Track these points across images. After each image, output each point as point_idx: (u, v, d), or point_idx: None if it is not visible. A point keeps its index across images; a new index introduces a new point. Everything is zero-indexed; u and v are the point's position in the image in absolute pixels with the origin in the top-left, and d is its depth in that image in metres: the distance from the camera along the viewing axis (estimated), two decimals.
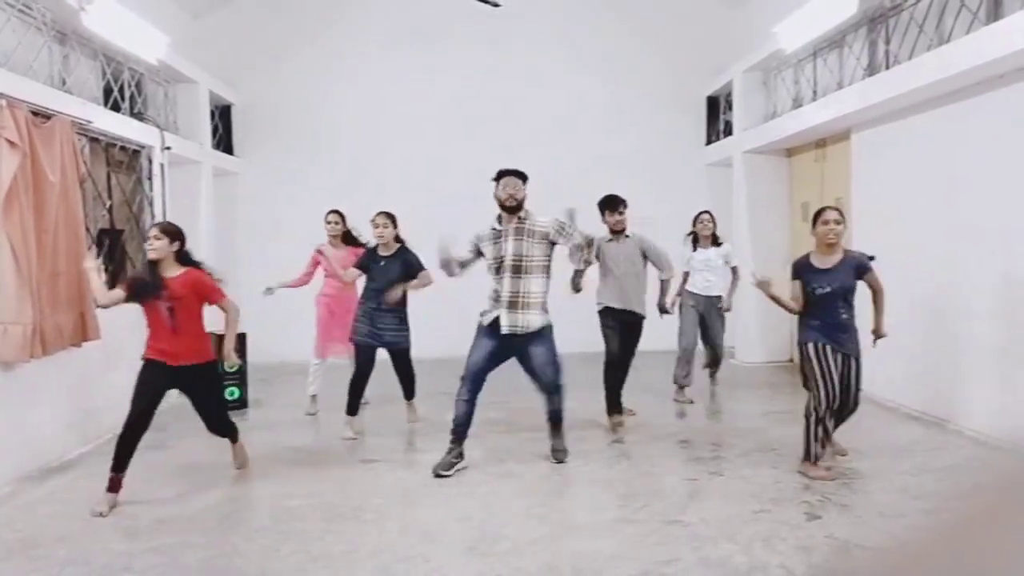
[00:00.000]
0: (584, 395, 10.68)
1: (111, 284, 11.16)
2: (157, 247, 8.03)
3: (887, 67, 11.02)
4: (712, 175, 17.21)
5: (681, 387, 12.16)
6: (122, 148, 11.79)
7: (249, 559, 6.46)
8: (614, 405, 10.74)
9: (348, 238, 11.60)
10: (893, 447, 8.94)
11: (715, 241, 11.95)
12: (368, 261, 10.56)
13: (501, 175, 8.90)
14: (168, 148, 12.73)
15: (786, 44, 12.94)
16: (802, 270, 8.41)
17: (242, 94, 17.01)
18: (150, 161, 12.41)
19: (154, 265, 8.09)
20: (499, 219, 8.90)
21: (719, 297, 12.04)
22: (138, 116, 12.44)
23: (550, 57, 17.30)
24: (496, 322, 8.73)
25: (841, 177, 12.86)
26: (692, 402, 11.91)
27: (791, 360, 15.40)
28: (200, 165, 14.61)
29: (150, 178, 12.43)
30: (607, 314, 10.67)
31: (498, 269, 8.78)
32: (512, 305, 8.69)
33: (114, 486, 7.89)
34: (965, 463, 8.60)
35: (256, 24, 16.72)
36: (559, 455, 9.14)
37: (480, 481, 8.43)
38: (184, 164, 13.92)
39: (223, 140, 16.73)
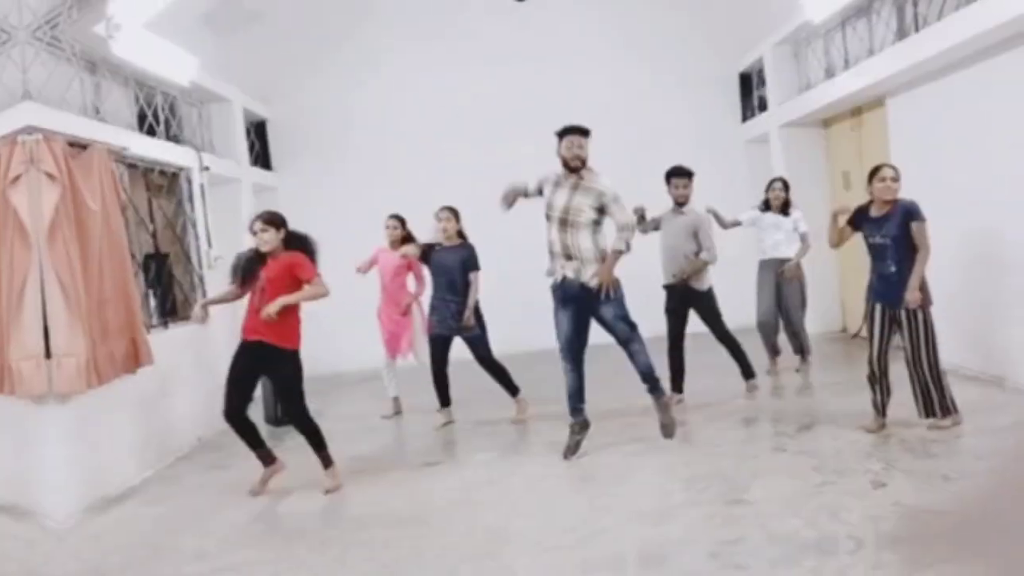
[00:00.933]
0: (634, 381, 10.66)
1: (160, 309, 11.26)
2: (266, 239, 8.39)
3: (916, 30, 10.92)
4: (751, 152, 17.09)
5: (773, 356, 12.12)
6: (160, 172, 11.86)
7: (318, 571, 6.49)
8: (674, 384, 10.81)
9: (407, 243, 11.56)
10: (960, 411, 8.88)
11: (785, 210, 11.83)
12: (430, 252, 10.87)
13: (564, 133, 8.96)
14: (206, 168, 12.79)
15: (813, 15, 12.84)
16: (860, 217, 8.62)
17: (276, 109, 17.06)
18: (189, 182, 12.47)
19: (262, 255, 8.45)
20: (563, 173, 8.92)
21: (789, 259, 11.87)
22: (174, 139, 12.50)
23: (581, 47, 17.22)
24: (563, 279, 8.74)
25: (879, 144, 12.74)
26: (777, 374, 11.88)
27: (844, 330, 15.32)
28: (239, 182, 14.67)
29: (191, 199, 12.49)
30: (665, 291, 10.81)
31: (548, 217, 8.83)
32: (568, 257, 8.71)
33: (264, 461, 8.74)
34: None
35: (285, 37, 16.73)
36: (666, 430, 9.02)
37: (541, 476, 8.43)
38: (223, 183, 13.97)
39: (260, 156, 16.76)
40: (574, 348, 8.89)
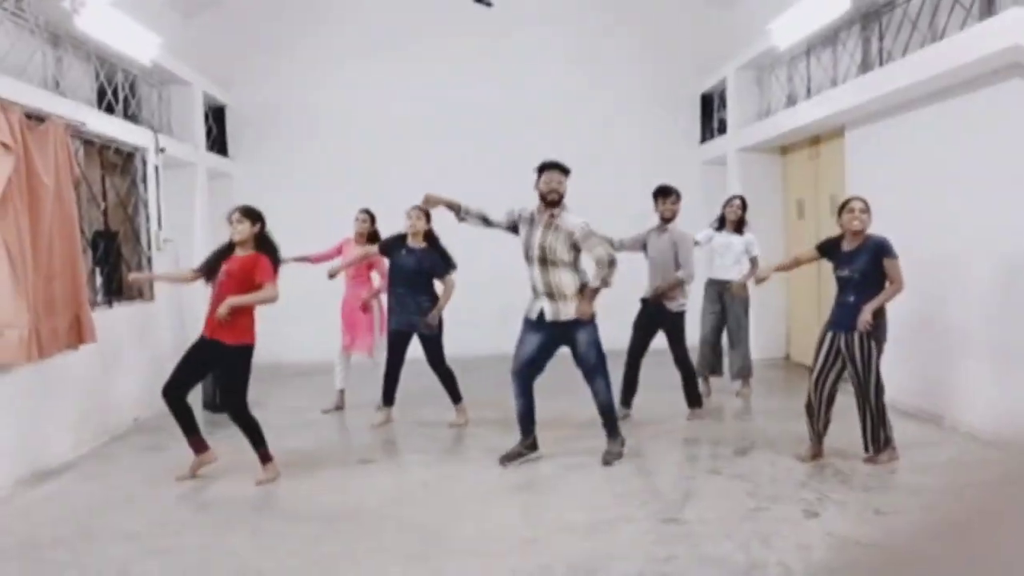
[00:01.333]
0: (580, 394, 10.66)
1: (106, 287, 11.19)
2: (240, 230, 8.62)
3: (881, 64, 11.04)
4: (707, 173, 17.19)
5: (705, 378, 12.03)
6: (116, 150, 11.78)
7: (247, 561, 6.46)
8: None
9: (373, 238, 11.68)
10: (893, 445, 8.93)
11: (739, 228, 11.88)
12: (393, 247, 10.86)
13: (544, 168, 8.90)
14: (162, 150, 12.72)
15: (779, 41, 12.94)
16: (830, 248, 8.71)
17: (236, 95, 16.99)
18: (144, 163, 12.39)
19: (232, 246, 8.67)
20: (538, 207, 8.91)
21: (720, 281, 11.93)
22: (132, 118, 12.44)
23: (544, 56, 17.31)
24: (541, 314, 8.80)
25: (835, 174, 12.87)
26: (708, 395, 11.82)
27: (787, 357, 15.42)
28: (194, 167, 14.59)
29: (144, 180, 12.41)
30: (640, 305, 10.92)
31: (527, 257, 8.85)
32: (550, 296, 8.75)
33: (196, 448, 8.81)
34: (961, 459, 8.61)
35: (249, 24, 16.70)
36: (608, 457, 9.00)
37: (477, 481, 8.44)
38: (179, 166, 13.91)
39: (217, 141, 16.68)
40: (525, 374, 9.00)
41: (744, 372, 12.08)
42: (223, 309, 8.19)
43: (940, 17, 9.98)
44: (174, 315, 13.24)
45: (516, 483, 8.32)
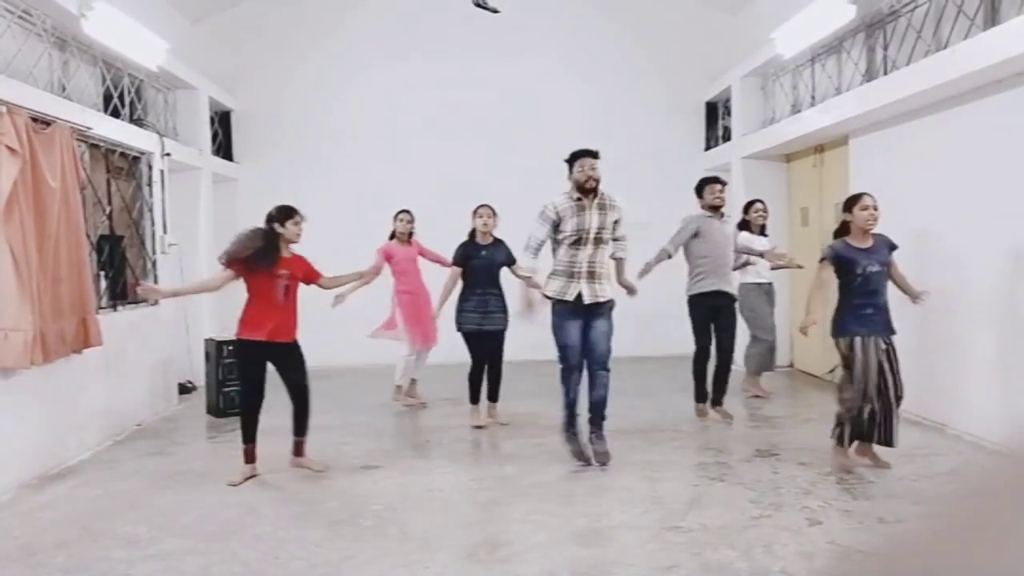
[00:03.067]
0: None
1: (111, 291, 11.18)
2: (300, 232, 8.96)
3: (885, 73, 11.04)
4: None
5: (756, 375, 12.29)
6: (122, 154, 11.81)
7: (249, 566, 6.46)
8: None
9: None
10: (893, 452, 8.92)
11: (763, 231, 11.97)
12: (468, 252, 10.91)
13: (576, 156, 9.09)
14: (168, 154, 12.75)
15: (784, 50, 12.97)
16: (845, 252, 8.48)
17: (241, 100, 17.01)
18: (150, 167, 12.42)
19: (278, 246, 8.80)
20: (576, 195, 8.98)
21: (771, 283, 12.24)
22: (138, 122, 12.46)
23: (550, 63, 17.34)
24: (578, 297, 8.79)
25: (839, 182, 12.85)
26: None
27: (791, 365, 15.39)
28: (200, 171, 14.63)
29: (150, 184, 12.43)
30: (704, 299, 10.82)
31: (577, 241, 8.84)
32: (591, 276, 8.81)
33: (248, 457, 8.91)
34: (965, 468, 8.60)
35: (255, 30, 16.73)
36: (603, 457, 9.03)
37: (479, 487, 8.43)
38: (184, 170, 13.93)
39: (223, 146, 16.73)
40: (580, 358, 9.00)
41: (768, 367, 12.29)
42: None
43: (944, 27, 9.98)
44: (178, 319, 13.25)
45: (518, 489, 8.30)
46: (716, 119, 17.68)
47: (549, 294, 8.96)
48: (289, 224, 8.78)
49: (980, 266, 9.44)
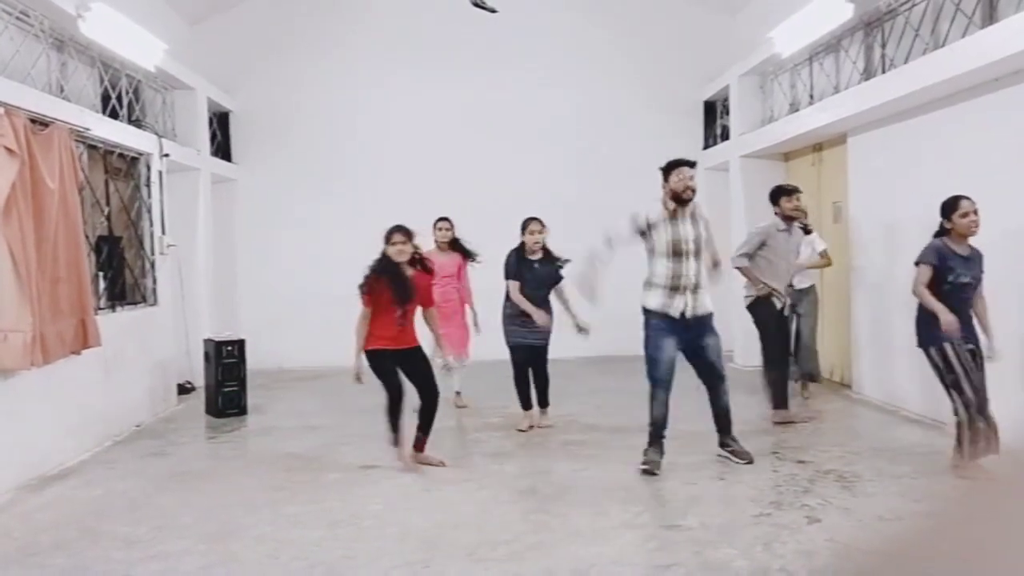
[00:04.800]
0: (584, 399, 10.67)
1: (109, 292, 11.19)
2: (407, 250, 9.03)
3: (883, 71, 11.05)
4: (709, 179, 17.13)
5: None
6: (120, 155, 11.79)
7: (248, 566, 6.46)
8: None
9: (455, 244, 11.81)
10: (892, 450, 8.92)
11: (806, 230, 11.81)
12: (519, 267, 10.70)
13: (673, 166, 8.84)
14: (166, 155, 12.74)
15: (782, 49, 12.98)
16: (945, 256, 8.18)
17: (240, 101, 17.01)
18: (148, 168, 12.41)
19: (399, 267, 8.99)
20: (672, 206, 8.78)
21: (811, 288, 12.05)
22: (136, 123, 12.45)
23: (548, 63, 17.33)
24: (683, 313, 8.63)
25: (838, 181, 12.87)
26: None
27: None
28: (198, 172, 14.61)
29: (148, 185, 12.42)
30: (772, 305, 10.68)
31: (676, 253, 8.62)
32: (696, 288, 8.64)
33: (395, 442, 9.21)
34: (964, 468, 8.59)
35: (254, 30, 16.73)
36: (746, 456, 8.96)
37: (479, 486, 8.43)
38: (182, 171, 13.92)
39: (221, 147, 16.74)
40: (672, 375, 8.79)
41: (813, 375, 12.17)
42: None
43: (942, 25, 9.99)
44: (177, 320, 13.26)
45: (518, 489, 8.30)
46: (714, 118, 17.70)
47: (650, 307, 8.77)
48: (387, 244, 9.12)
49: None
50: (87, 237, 10.34)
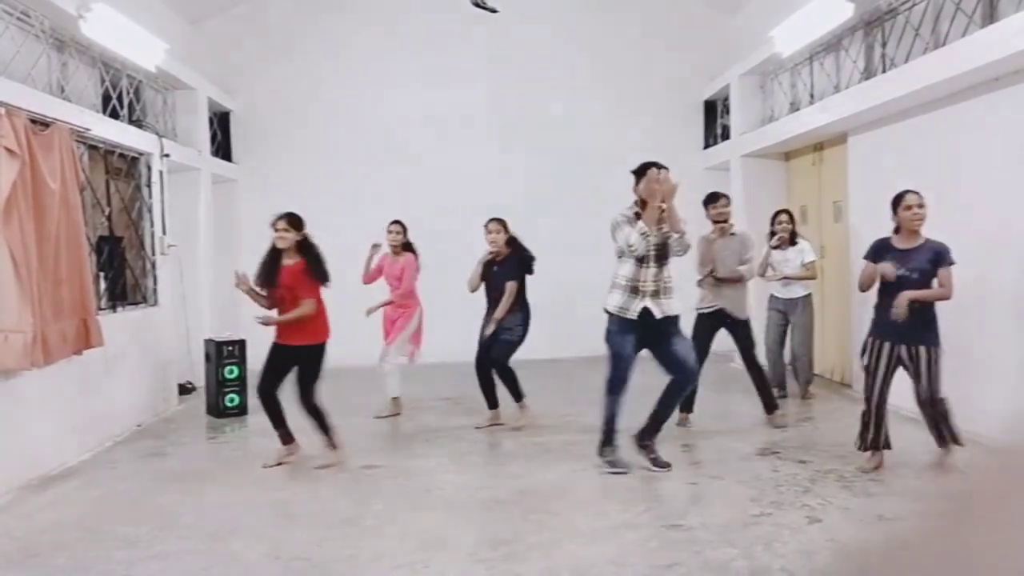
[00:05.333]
0: (584, 399, 10.66)
1: (110, 292, 11.20)
2: (288, 238, 9.12)
3: (884, 70, 11.05)
4: (710, 179, 17.11)
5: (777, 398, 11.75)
6: (121, 155, 11.80)
7: (249, 566, 6.47)
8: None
9: (408, 248, 11.75)
10: (893, 450, 8.92)
11: (793, 241, 11.90)
12: (488, 269, 10.77)
13: (646, 168, 8.71)
14: (167, 155, 12.73)
15: (783, 48, 12.97)
16: (882, 251, 8.31)
17: (241, 101, 17.01)
18: (149, 168, 12.40)
19: (277, 253, 9.09)
20: (636, 211, 8.71)
21: (805, 297, 12.00)
22: (136, 123, 12.44)
23: (549, 62, 17.33)
24: (643, 312, 8.60)
25: (838, 180, 12.87)
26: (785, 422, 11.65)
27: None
28: (199, 172, 14.61)
29: (149, 185, 12.42)
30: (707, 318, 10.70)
31: (643, 259, 8.59)
32: (656, 292, 8.61)
33: (284, 440, 9.43)
34: (965, 466, 8.59)
35: (255, 31, 16.72)
36: (665, 465, 8.77)
37: (479, 486, 8.45)
38: (183, 171, 13.92)
39: (222, 147, 16.73)
40: (627, 376, 8.81)
41: (809, 380, 12.20)
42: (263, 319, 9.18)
43: (943, 24, 9.98)
44: (178, 320, 13.26)
45: (519, 489, 8.30)
46: (715, 117, 17.69)
47: (609, 308, 8.78)
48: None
49: (979, 264, 9.42)
50: (88, 237, 10.33)
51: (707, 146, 17.79)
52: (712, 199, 10.84)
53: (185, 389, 13.51)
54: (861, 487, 7.98)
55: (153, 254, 12.45)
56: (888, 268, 8.12)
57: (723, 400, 12.08)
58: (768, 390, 10.80)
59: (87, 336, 9.72)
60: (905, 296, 7.98)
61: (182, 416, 12.14)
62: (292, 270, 9.02)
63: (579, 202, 16.09)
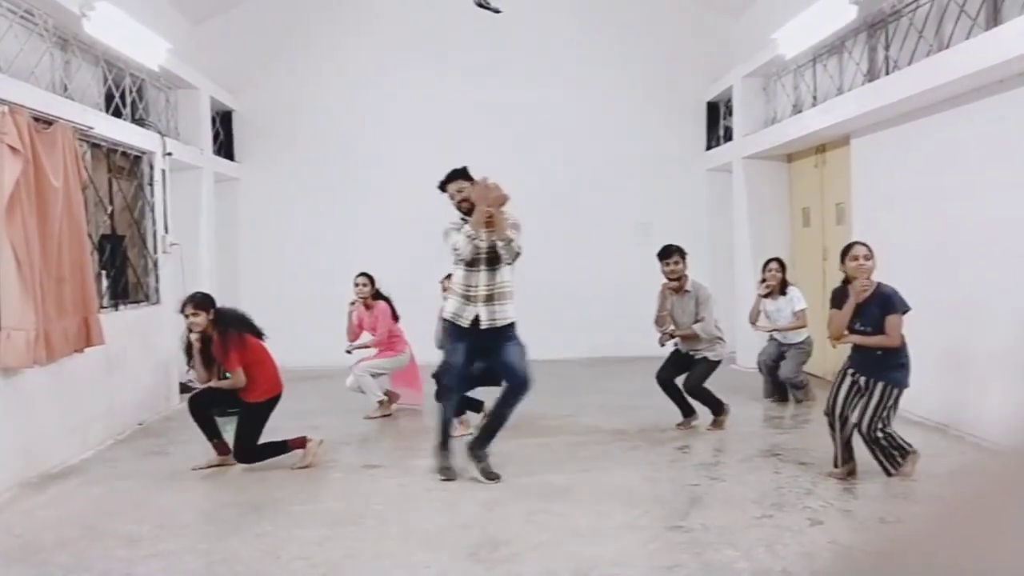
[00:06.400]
0: (584, 400, 10.65)
1: (112, 290, 11.20)
2: (198, 323, 9.16)
3: (887, 73, 11.04)
4: (712, 180, 17.20)
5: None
6: (123, 154, 11.81)
7: (250, 565, 6.47)
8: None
9: (377, 295, 11.92)
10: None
11: (783, 290, 11.94)
12: None
13: (453, 177, 9.07)
14: (169, 154, 12.73)
15: (786, 50, 12.96)
16: (841, 299, 8.30)
17: (243, 100, 17.01)
18: (151, 167, 12.42)
19: (198, 342, 9.22)
20: (463, 218, 8.76)
21: (803, 342, 12.06)
22: (139, 122, 12.45)
23: (551, 64, 17.30)
24: (475, 320, 8.59)
25: (841, 182, 12.86)
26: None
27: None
28: (201, 171, 14.63)
29: (151, 184, 12.43)
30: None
31: (469, 263, 8.59)
32: (488, 299, 8.58)
33: (218, 450, 9.38)
34: (964, 467, 8.58)
35: (257, 30, 16.71)
36: (495, 477, 8.63)
37: (481, 487, 8.43)
38: (185, 170, 13.93)
39: (224, 146, 16.74)
40: (462, 382, 9.07)
41: (801, 384, 12.19)
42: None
43: (946, 26, 9.97)
44: (179, 319, 13.27)
45: (520, 490, 8.29)
46: (717, 119, 17.68)
47: (445, 314, 8.90)
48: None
49: (982, 266, 9.43)
50: (90, 236, 10.36)
51: (709, 147, 17.75)
52: (664, 254, 10.56)
53: (186, 388, 13.50)
54: (862, 489, 7.97)
55: (155, 253, 12.46)
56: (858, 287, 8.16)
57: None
58: (687, 403, 10.76)
59: (88, 334, 9.73)
60: (852, 339, 8.24)
61: (183, 415, 12.12)
62: (215, 345, 9.10)
63: (580, 203, 16.10)
